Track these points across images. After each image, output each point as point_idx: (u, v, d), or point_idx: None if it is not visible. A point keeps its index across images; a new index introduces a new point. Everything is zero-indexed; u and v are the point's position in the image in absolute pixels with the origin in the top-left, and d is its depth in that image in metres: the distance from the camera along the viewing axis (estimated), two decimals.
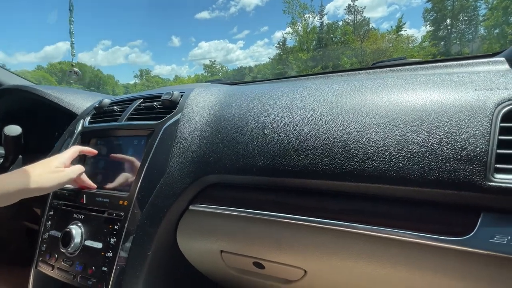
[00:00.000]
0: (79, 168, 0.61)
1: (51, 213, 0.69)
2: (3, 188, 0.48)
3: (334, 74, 0.84)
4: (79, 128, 0.79)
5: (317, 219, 0.45)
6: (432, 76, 0.50)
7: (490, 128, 0.37)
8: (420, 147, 0.40)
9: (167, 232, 0.58)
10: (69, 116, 0.90)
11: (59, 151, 0.79)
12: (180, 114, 0.63)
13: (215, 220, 0.55)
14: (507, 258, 0.33)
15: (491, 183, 0.35)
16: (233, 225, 0.53)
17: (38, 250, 0.68)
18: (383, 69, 0.78)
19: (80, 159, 0.75)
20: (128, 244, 0.56)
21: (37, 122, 1.08)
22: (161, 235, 0.57)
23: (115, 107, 0.78)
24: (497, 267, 0.35)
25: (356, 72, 0.81)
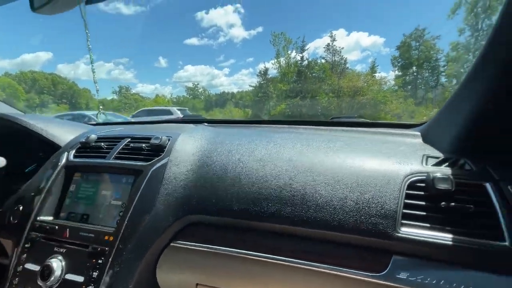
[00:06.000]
0: None
1: (28, 245, 0.71)
2: None
3: (301, 126, 1.01)
4: (63, 161, 0.83)
5: (279, 257, 0.56)
6: (369, 143, 0.67)
7: (399, 193, 0.54)
8: (355, 204, 0.55)
9: (148, 266, 0.65)
10: (50, 146, 0.93)
11: (40, 182, 0.81)
12: (168, 158, 0.73)
13: (193, 256, 0.63)
14: None
15: (398, 234, 0.50)
16: (209, 260, 0.62)
17: (8, 284, 0.68)
18: (337, 128, 0.96)
19: (64, 191, 0.79)
20: (111, 277, 0.61)
21: (15, 149, 1.07)
22: (143, 270, 0.63)
23: (102, 143, 0.84)
24: None
25: (318, 127, 0.98)
